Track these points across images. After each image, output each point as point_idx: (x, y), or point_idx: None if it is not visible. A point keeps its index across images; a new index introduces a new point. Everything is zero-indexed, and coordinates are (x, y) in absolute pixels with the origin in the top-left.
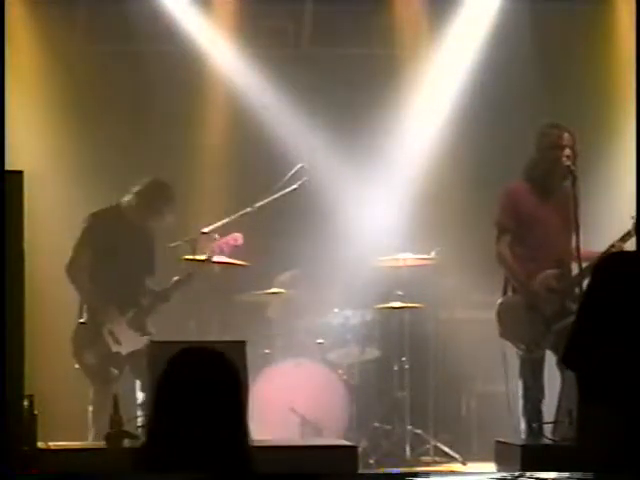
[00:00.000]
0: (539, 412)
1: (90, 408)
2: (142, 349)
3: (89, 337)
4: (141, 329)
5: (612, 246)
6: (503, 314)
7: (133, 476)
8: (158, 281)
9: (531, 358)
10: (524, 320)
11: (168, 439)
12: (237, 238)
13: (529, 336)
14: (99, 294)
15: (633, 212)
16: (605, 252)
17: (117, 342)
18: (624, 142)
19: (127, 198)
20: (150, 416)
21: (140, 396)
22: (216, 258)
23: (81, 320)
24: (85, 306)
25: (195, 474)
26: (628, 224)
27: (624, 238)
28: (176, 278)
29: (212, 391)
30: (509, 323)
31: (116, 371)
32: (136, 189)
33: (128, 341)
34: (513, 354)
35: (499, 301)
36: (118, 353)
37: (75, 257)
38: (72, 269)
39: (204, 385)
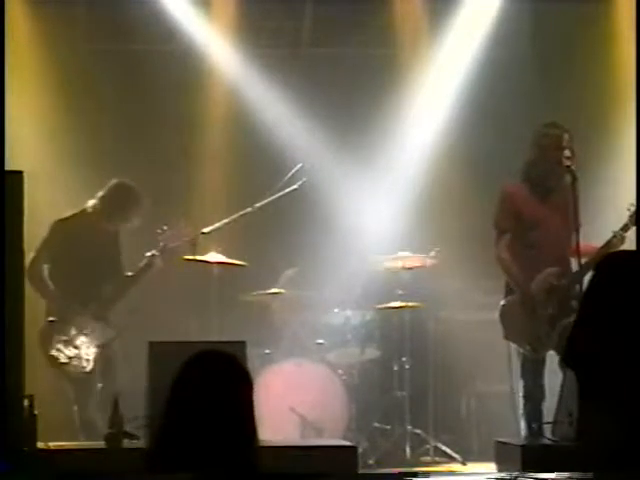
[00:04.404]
0: (540, 412)
1: (75, 407)
2: (112, 339)
3: (57, 335)
4: (105, 319)
5: (614, 236)
6: (506, 315)
7: (133, 476)
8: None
9: (534, 358)
10: (527, 320)
11: (184, 440)
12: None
13: (533, 336)
14: (60, 293)
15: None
16: (607, 243)
17: (86, 336)
18: (624, 142)
19: (92, 203)
20: (164, 417)
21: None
22: (215, 258)
23: (50, 318)
24: (50, 306)
25: (204, 474)
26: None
27: (624, 228)
28: (141, 264)
29: (228, 394)
30: (512, 324)
31: (92, 365)
32: (100, 194)
33: (96, 334)
34: (511, 355)
35: (501, 302)
36: (89, 347)
37: (34, 260)
38: (30, 270)
39: (221, 388)
